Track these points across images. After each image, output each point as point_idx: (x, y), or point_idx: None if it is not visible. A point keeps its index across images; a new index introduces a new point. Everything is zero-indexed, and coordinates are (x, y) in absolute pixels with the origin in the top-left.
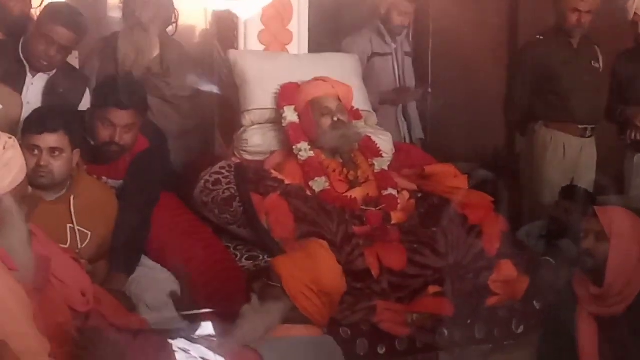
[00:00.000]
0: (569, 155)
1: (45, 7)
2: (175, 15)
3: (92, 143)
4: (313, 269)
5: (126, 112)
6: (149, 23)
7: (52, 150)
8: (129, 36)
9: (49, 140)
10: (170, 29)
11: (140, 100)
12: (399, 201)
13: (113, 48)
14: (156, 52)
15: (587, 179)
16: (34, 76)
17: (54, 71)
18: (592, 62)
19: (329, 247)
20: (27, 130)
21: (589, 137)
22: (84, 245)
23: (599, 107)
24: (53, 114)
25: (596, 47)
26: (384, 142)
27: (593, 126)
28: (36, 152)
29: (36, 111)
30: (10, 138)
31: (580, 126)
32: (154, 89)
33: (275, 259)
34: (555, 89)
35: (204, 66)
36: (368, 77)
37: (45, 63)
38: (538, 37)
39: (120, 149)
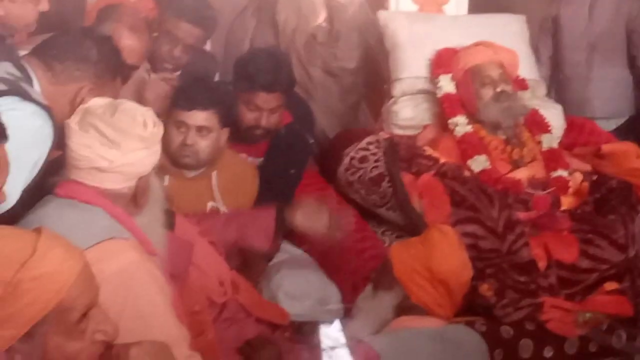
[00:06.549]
0: None
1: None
2: None
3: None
4: (425, 255)
5: (273, 96)
6: None
7: (200, 128)
8: None
9: (198, 118)
10: None
11: (288, 81)
12: (570, 184)
13: (272, 10)
14: (322, 18)
15: None
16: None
17: (178, 73)
18: None
19: (456, 233)
20: (176, 106)
21: None
22: None
23: None
24: (205, 91)
25: None
26: (554, 115)
27: None
28: (183, 129)
29: (187, 86)
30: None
31: None
32: (319, 59)
33: (392, 245)
34: None
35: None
36: None
37: (169, 66)
38: None
39: (266, 132)
